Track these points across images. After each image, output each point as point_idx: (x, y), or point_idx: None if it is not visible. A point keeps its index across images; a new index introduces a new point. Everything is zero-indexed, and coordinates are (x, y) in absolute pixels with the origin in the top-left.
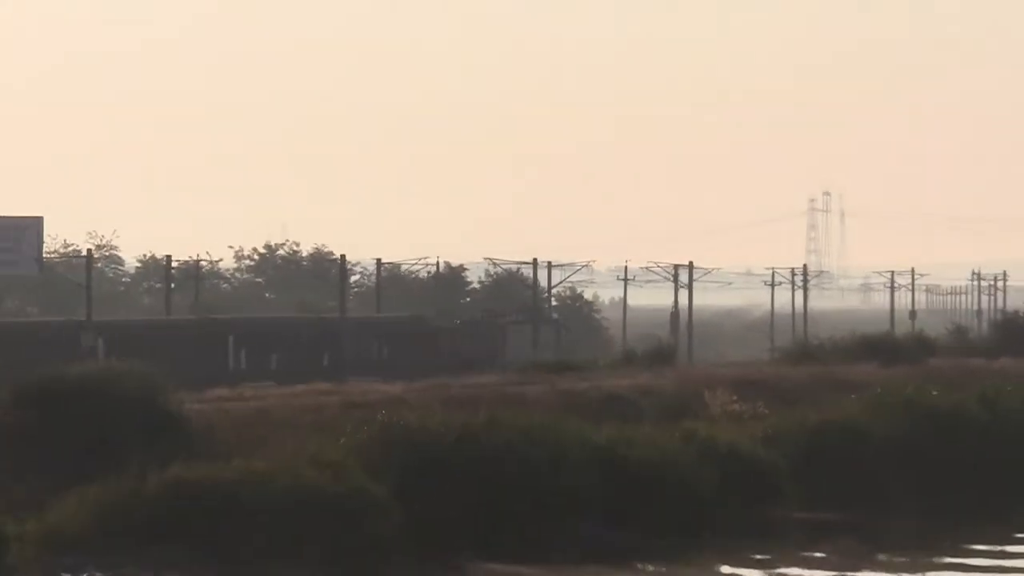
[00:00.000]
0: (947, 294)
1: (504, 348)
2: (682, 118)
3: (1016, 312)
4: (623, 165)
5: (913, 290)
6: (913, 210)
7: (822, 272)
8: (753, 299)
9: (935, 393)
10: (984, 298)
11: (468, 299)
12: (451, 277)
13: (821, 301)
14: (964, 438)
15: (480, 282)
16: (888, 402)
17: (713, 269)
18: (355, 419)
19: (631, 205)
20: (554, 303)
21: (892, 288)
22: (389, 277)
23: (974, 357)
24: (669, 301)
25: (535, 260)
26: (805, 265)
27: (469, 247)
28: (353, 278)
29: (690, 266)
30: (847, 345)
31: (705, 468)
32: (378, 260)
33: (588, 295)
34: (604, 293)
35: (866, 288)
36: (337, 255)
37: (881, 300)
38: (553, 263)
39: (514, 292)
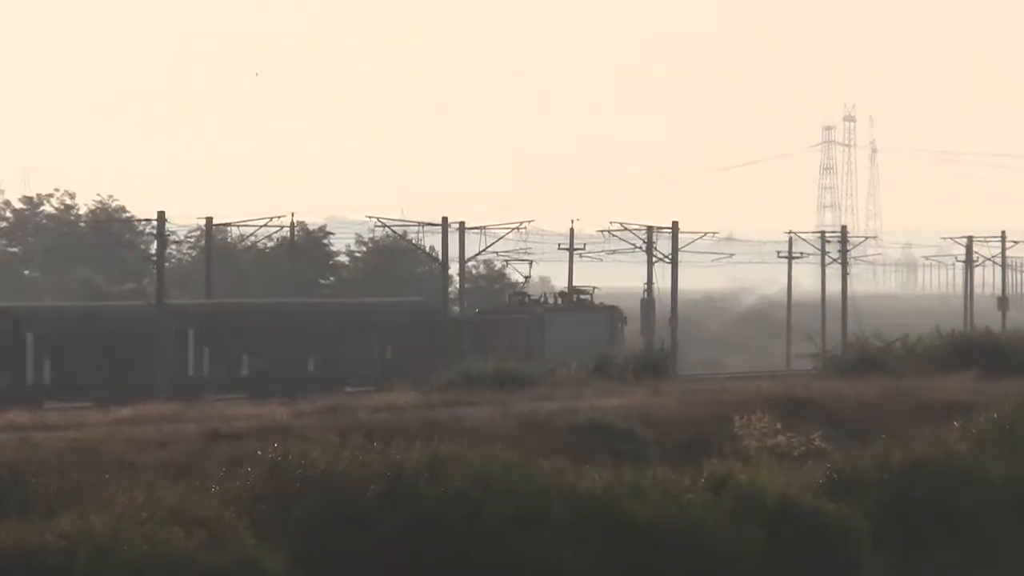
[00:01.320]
0: None
1: (542, 344)
2: (643, 21)
3: None
4: (557, 89)
5: (1004, 265)
6: (974, 146)
7: (867, 238)
8: (741, 279)
9: None
10: None
11: (332, 278)
12: (309, 245)
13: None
14: None
15: (350, 252)
16: (1009, 432)
17: (701, 234)
18: (224, 457)
19: (566, 143)
20: (466, 285)
21: (969, 262)
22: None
23: None
24: (621, 282)
25: (444, 220)
26: (844, 227)
27: (334, 204)
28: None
29: (674, 228)
30: (927, 348)
31: (746, 528)
32: (208, 220)
33: (512, 272)
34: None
35: (911, 261)
36: (131, 213)
37: (932, 279)
38: (468, 225)
39: (403, 266)
